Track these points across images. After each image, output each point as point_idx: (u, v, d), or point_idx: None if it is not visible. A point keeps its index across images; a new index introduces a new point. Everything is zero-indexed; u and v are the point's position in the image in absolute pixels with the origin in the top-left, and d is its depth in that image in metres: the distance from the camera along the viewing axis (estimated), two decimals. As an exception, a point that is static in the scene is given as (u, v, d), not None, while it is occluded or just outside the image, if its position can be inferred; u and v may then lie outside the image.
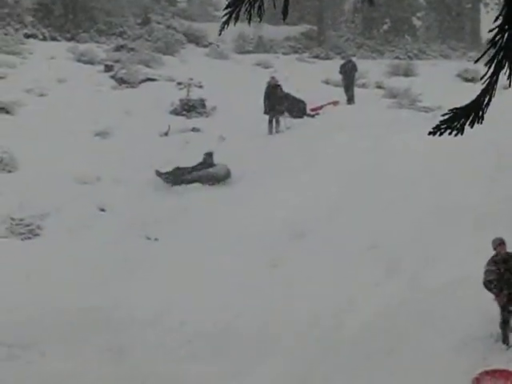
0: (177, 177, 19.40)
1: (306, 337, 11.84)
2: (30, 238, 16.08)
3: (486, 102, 2.53)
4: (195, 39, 39.96)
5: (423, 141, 19.25)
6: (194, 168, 19.55)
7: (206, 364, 11.22)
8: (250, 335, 11.99)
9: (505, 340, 11.50)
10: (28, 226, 16.43)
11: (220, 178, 19.39)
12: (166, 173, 19.52)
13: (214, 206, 17.26)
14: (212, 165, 19.72)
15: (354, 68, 28.07)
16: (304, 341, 11.71)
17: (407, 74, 34.23)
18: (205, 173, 19.43)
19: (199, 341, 12.01)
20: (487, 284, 11.36)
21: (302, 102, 25.84)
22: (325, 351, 11.32)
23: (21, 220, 16.49)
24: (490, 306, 11.37)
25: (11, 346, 11.37)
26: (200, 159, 19.92)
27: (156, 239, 15.85)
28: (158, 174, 19.38)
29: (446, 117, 2.50)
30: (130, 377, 10.80)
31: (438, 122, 2.57)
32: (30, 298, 13.12)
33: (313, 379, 10.65)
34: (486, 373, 10.67)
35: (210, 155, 19.81)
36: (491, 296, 11.37)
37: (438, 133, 2.47)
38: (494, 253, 11.57)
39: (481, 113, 2.52)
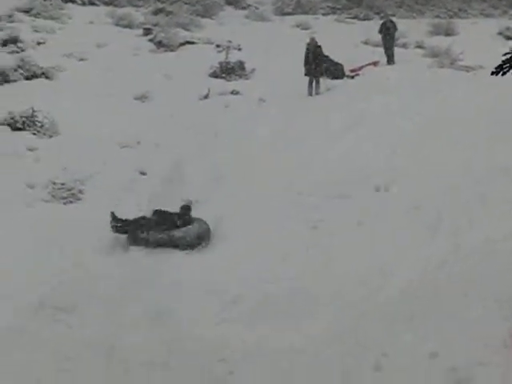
0: (135, 234, 14.26)
1: (346, 299, 11.72)
2: (71, 201, 16.13)
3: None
4: (234, 1, 39.77)
5: (464, 100, 19.02)
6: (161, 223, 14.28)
7: (247, 327, 11.17)
8: (289, 298, 11.92)
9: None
10: (70, 190, 16.48)
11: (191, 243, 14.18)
12: (122, 222, 14.52)
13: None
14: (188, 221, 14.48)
15: (393, 27, 27.65)
16: (345, 303, 11.61)
17: (448, 33, 33.70)
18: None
19: (240, 304, 11.96)
20: None
21: (340, 64, 25.55)
22: (365, 313, 11.21)
23: (62, 184, 16.56)
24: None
25: (55, 309, 11.42)
26: (240, 123, 19.37)
27: (197, 201, 15.80)
28: (114, 218, 14.55)
29: (508, 56, 2.35)
30: (170, 340, 10.79)
31: (500, 62, 2.42)
32: (72, 262, 13.17)
33: (353, 340, 10.56)
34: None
35: (187, 209, 14.80)
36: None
37: (501, 72, 2.33)
38: None
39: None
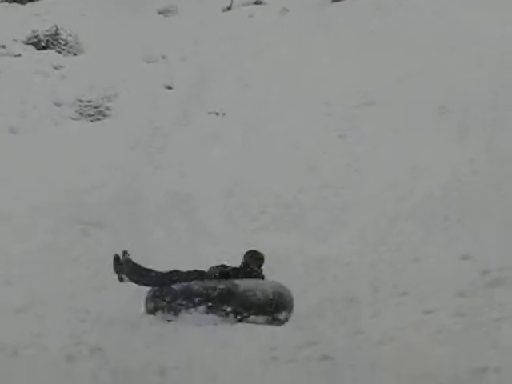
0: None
1: (378, 204, 11.71)
2: (99, 119, 16.14)
3: None
4: None
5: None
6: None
7: (277, 234, 11.23)
8: (322, 205, 11.93)
9: None
10: (97, 107, 16.47)
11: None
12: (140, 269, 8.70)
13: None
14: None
15: None
16: (377, 208, 11.60)
17: None
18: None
19: (270, 213, 11.99)
20: None
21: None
22: (399, 216, 11.21)
23: (89, 102, 16.54)
24: None
25: (85, 224, 11.54)
26: (263, 32, 19.05)
27: (224, 114, 15.72)
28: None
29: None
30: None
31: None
32: (102, 179, 13.23)
33: (385, 247, 10.59)
34: None
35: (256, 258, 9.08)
36: None
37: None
38: None
39: None
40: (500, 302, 8.53)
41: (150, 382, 6.84)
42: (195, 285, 8.14)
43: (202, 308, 7.97)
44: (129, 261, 8.65)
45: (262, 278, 8.76)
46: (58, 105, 16.28)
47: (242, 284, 8.35)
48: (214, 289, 8.08)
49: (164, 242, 10.99)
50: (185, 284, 8.19)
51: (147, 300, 8.30)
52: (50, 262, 10.32)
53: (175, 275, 8.34)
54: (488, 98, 13.97)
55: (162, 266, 9.40)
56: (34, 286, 9.19)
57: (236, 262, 9.06)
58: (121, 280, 8.64)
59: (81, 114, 16.08)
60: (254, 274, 8.74)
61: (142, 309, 8.24)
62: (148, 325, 7.83)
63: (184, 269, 8.45)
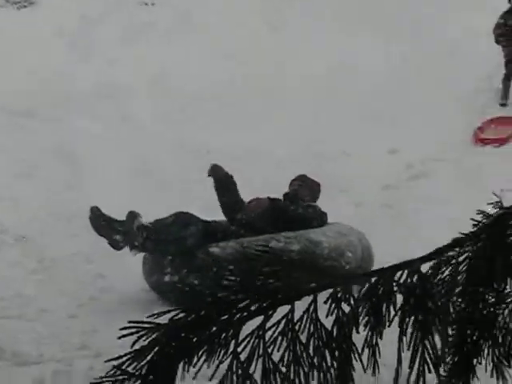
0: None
1: (309, 96, 11.69)
2: (25, 6, 15.55)
3: None
4: None
5: None
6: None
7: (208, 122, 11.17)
8: (249, 94, 11.84)
9: (502, 97, 11.51)
10: (22, -6, 15.84)
11: None
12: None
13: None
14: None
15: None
16: (309, 100, 11.58)
17: None
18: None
19: (199, 103, 11.88)
20: (496, 37, 11.32)
21: None
22: (320, 112, 11.24)
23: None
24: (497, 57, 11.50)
25: (13, 114, 11.27)
26: None
27: (153, 4, 15.34)
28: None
29: None
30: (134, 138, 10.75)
31: None
32: (27, 69, 12.86)
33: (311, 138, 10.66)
34: (491, 120, 10.88)
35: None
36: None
37: None
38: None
39: None
40: (422, 193, 8.83)
41: (78, 269, 6.89)
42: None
43: None
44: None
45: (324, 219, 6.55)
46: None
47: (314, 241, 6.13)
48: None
49: (89, 132, 10.77)
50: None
51: None
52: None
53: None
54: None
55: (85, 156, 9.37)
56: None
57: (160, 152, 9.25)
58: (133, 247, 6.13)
59: (7, 1, 15.47)
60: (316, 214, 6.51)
61: None
62: (75, 216, 7.76)
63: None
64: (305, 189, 6.64)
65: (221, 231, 6.21)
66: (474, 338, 2.03)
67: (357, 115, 10.95)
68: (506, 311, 2.05)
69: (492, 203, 2.32)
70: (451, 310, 1.99)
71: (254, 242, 5.82)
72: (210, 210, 6.64)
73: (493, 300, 2.05)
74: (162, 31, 14.00)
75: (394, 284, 1.61)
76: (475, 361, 2.04)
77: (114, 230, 6.04)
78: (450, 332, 2.01)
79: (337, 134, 10.51)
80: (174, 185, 9.29)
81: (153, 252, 6.15)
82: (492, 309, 2.04)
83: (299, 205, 6.39)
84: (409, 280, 1.62)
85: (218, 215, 6.54)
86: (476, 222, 1.94)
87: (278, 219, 6.17)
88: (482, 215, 2.09)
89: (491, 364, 2.05)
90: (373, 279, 1.61)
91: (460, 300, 2.01)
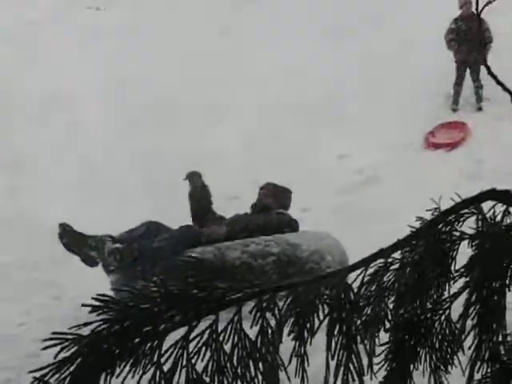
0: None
1: (252, 101, 11.69)
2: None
3: None
4: None
5: None
6: None
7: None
8: (197, 99, 11.79)
9: (454, 102, 11.64)
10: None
11: None
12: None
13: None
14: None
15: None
16: (250, 104, 11.58)
17: None
18: None
19: (149, 109, 11.83)
20: (448, 42, 11.43)
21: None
22: (270, 118, 11.24)
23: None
24: (449, 63, 11.57)
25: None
26: None
27: (104, 8, 15.21)
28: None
29: None
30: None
31: None
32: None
33: (264, 135, 10.67)
34: (441, 125, 11.01)
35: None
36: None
37: None
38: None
39: None
40: (371, 199, 8.88)
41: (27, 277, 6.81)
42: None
43: None
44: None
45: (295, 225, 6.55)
46: None
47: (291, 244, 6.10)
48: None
49: (37, 139, 10.65)
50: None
51: None
52: None
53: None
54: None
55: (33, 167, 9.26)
56: None
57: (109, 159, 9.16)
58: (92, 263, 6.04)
59: None
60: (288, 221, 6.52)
61: None
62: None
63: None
64: (269, 197, 6.60)
65: (194, 236, 6.09)
66: (412, 343, 2.04)
67: (305, 120, 10.96)
68: (443, 317, 2.05)
69: (431, 209, 2.34)
70: (389, 316, 2.00)
71: (231, 246, 5.84)
72: (155, 216, 6.60)
73: (430, 306, 2.07)
74: (112, 36, 13.87)
75: (320, 294, 1.61)
76: (412, 366, 2.04)
77: (88, 246, 5.89)
78: (388, 338, 2.02)
79: (285, 139, 10.53)
80: (125, 192, 9.23)
81: (131, 269, 5.82)
82: (429, 315, 2.05)
83: (268, 214, 6.37)
84: (334, 290, 1.61)
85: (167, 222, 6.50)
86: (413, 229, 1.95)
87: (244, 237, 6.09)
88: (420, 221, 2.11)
89: (428, 369, 2.06)
90: (299, 289, 1.61)
91: (397, 306, 2.02)
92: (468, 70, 11.53)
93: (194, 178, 6.59)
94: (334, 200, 9.18)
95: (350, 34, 12.78)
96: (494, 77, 2.50)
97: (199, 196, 6.57)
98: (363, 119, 10.83)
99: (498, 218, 2.08)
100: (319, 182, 9.45)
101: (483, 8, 2.60)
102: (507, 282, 1.67)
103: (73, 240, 5.88)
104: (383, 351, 1.96)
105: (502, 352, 1.83)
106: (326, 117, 10.88)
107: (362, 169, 9.98)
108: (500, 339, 1.76)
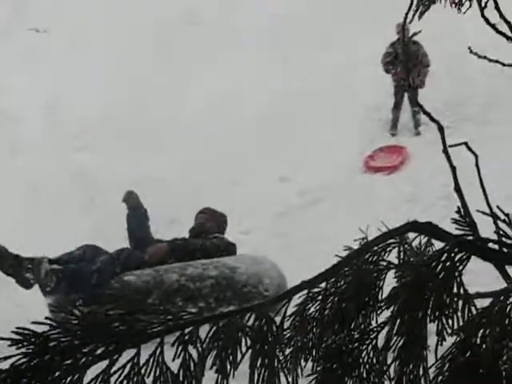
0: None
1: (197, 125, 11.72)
2: None
3: None
4: None
5: None
6: None
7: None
8: (140, 122, 11.76)
9: (392, 127, 11.80)
10: None
11: None
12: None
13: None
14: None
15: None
16: (195, 128, 11.60)
17: None
18: None
19: (91, 131, 11.74)
20: (385, 66, 11.62)
21: None
22: (214, 140, 11.25)
23: None
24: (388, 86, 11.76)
25: None
26: None
27: (45, 31, 15.06)
28: None
29: None
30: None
31: None
32: None
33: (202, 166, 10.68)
34: (381, 149, 11.15)
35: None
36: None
37: None
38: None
39: None
40: (312, 222, 8.93)
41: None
42: None
43: None
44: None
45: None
46: None
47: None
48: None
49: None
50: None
51: None
52: None
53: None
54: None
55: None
56: None
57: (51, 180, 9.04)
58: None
59: None
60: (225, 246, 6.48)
61: None
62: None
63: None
64: (210, 221, 6.61)
65: (133, 259, 6.00)
66: (339, 373, 2.03)
67: (246, 143, 10.99)
68: (370, 347, 2.06)
69: (358, 239, 2.37)
70: (315, 347, 1.99)
71: (170, 269, 5.83)
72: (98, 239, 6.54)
73: (357, 336, 2.07)
74: (54, 58, 13.76)
75: (243, 326, 1.60)
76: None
77: (23, 269, 5.73)
78: (315, 369, 2.01)
79: (226, 163, 10.55)
80: (67, 212, 9.15)
81: (68, 291, 5.71)
82: (356, 344, 2.05)
83: (206, 238, 6.34)
84: (257, 322, 1.61)
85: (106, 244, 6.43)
86: (340, 258, 1.96)
87: (184, 257, 6.05)
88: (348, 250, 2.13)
89: (356, 401, 2.05)
90: (222, 321, 1.60)
91: (321, 337, 2.01)
92: (406, 95, 11.70)
93: (129, 199, 6.51)
94: (273, 223, 9.22)
95: (290, 57, 12.92)
96: (421, 106, 2.55)
97: (137, 216, 6.50)
98: (304, 142, 10.91)
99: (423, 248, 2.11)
100: (259, 204, 9.50)
101: (413, 35, 2.66)
102: (428, 312, 1.68)
103: (8, 262, 5.73)
104: (310, 382, 1.96)
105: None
106: (266, 140, 10.95)
107: (303, 191, 10.04)
108: (421, 372, 1.77)
